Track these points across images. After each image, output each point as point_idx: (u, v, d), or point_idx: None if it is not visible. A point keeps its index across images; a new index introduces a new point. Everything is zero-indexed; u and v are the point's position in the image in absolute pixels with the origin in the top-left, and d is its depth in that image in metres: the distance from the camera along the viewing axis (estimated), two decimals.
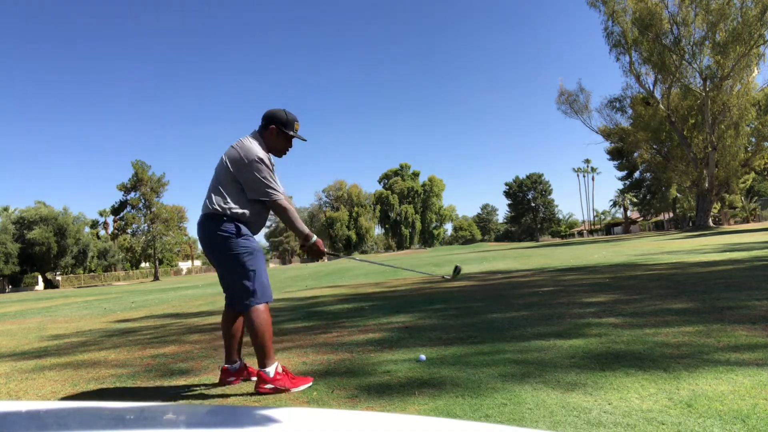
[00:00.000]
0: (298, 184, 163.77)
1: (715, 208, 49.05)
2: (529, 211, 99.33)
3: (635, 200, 77.60)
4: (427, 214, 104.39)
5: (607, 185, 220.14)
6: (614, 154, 64.90)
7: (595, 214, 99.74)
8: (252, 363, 3.70)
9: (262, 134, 3.18)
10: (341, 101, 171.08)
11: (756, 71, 36.90)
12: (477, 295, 7.25)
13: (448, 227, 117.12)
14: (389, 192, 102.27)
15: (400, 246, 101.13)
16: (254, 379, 3.31)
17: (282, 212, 3.14)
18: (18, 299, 23.16)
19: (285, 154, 3.27)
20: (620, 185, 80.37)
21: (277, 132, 3.16)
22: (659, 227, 73.57)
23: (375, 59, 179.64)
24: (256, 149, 3.05)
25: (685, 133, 40.13)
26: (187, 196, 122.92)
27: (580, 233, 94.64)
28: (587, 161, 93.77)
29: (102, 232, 79.98)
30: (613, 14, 38.57)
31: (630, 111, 43.73)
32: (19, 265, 55.73)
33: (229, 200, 3.06)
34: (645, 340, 3.48)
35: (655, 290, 5.99)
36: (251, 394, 3.03)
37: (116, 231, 63.07)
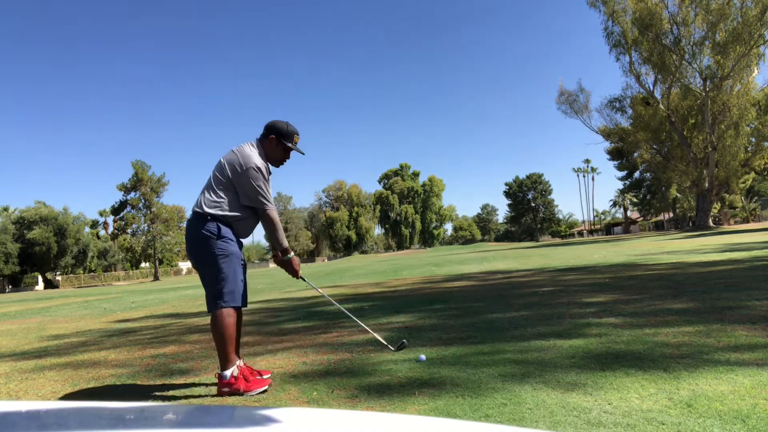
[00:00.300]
0: (298, 184, 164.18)
1: (715, 208, 49.04)
2: (529, 211, 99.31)
3: (635, 200, 77.60)
4: (427, 214, 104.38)
5: (607, 185, 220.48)
6: (614, 154, 64.89)
7: (595, 214, 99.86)
8: (252, 363, 3.70)
9: (262, 143, 3.26)
10: (341, 101, 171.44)
11: (756, 71, 36.93)
12: (477, 295, 7.25)
13: (448, 227, 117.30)
14: (389, 192, 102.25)
15: (400, 246, 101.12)
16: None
17: (270, 223, 3.22)
18: (18, 299, 23.16)
19: (282, 164, 3.35)
20: (620, 185, 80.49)
21: (276, 142, 3.24)
22: (659, 227, 73.56)
23: (375, 59, 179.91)
24: (255, 157, 3.13)
25: (685, 133, 40.12)
26: (187, 196, 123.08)
27: (580, 233, 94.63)
28: (587, 161, 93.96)
29: (102, 232, 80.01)
30: (613, 14, 38.57)
31: (630, 111, 43.74)
32: (19, 265, 55.72)
33: (218, 202, 3.12)
34: (645, 340, 3.48)
35: (655, 290, 5.99)
36: (249, 394, 3.03)
37: (116, 231, 63.05)
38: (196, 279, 38.23)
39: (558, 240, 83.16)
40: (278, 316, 6.79)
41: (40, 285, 58.57)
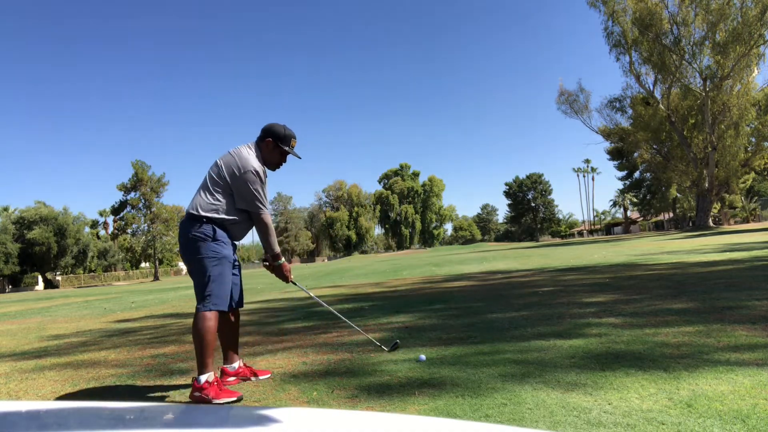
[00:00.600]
0: (298, 184, 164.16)
1: (715, 208, 49.05)
2: (529, 211, 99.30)
3: (635, 200, 77.61)
4: (427, 214, 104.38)
5: (607, 185, 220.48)
6: (614, 154, 64.90)
7: (595, 214, 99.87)
8: (252, 363, 3.70)
9: (259, 146, 3.23)
10: (341, 101, 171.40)
11: (756, 71, 36.93)
12: (477, 295, 7.25)
13: (448, 227, 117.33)
14: (389, 192, 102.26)
15: (400, 246, 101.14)
16: (253, 379, 3.32)
17: (263, 227, 3.20)
18: (18, 299, 23.16)
19: (278, 167, 3.33)
20: (620, 185, 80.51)
21: (273, 146, 3.22)
22: (659, 227, 73.56)
23: (375, 59, 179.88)
24: (253, 161, 3.11)
25: (685, 133, 40.13)
26: (187, 196, 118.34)
27: (580, 233, 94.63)
28: (587, 161, 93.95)
29: (102, 232, 80.00)
30: (613, 14, 38.57)
31: (630, 111, 43.75)
32: (19, 265, 55.71)
33: (214, 204, 3.10)
34: (645, 340, 3.48)
35: (655, 290, 5.99)
36: (249, 394, 3.03)
37: (116, 231, 63.03)
38: None
39: (558, 240, 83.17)
40: (278, 316, 6.79)
41: (40, 285, 58.57)
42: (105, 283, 61.01)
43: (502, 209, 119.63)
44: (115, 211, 58.42)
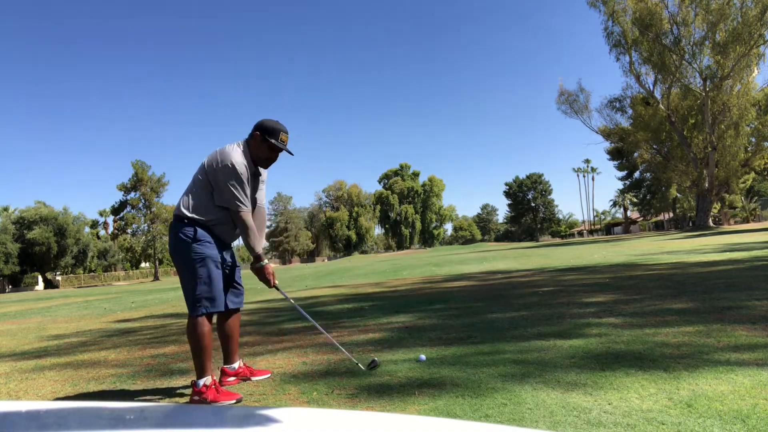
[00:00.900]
0: (298, 184, 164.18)
1: (715, 208, 49.05)
2: (529, 211, 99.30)
3: (635, 200, 77.61)
4: (427, 214, 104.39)
5: (607, 185, 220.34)
6: (614, 154, 64.90)
7: (595, 214, 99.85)
8: (252, 363, 3.70)
9: (248, 142, 3.13)
10: (341, 101, 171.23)
11: (756, 71, 36.93)
12: (477, 295, 7.25)
13: (448, 227, 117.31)
14: (389, 192, 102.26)
15: (400, 246, 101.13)
16: (253, 379, 3.32)
17: (242, 226, 3.06)
18: (18, 299, 23.16)
19: (270, 163, 3.20)
20: (620, 185, 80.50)
21: (261, 140, 3.08)
22: (659, 227, 73.56)
23: (375, 59, 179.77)
24: (234, 156, 2.98)
25: (685, 133, 40.12)
26: None
27: (580, 233, 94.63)
28: (587, 161, 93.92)
29: (102, 232, 80.00)
30: (613, 14, 38.57)
31: (630, 111, 43.74)
32: (19, 265, 55.72)
33: (195, 204, 3.03)
34: (645, 340, 3.48)
35: (655, 290, 5.99)
36: (249, 394, 3.03)
37: (116, 231, 63.05)
38: None
39: (558, 240, 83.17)
40: (278, 316, 6.79)
41: (40, 285, 58.58)
42: (105, 283, 61.00)
43: (502, 209, 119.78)
44: (115, 211, 58.45)
